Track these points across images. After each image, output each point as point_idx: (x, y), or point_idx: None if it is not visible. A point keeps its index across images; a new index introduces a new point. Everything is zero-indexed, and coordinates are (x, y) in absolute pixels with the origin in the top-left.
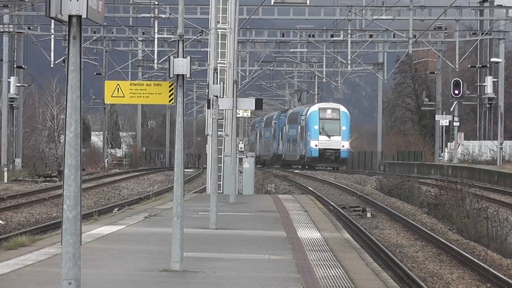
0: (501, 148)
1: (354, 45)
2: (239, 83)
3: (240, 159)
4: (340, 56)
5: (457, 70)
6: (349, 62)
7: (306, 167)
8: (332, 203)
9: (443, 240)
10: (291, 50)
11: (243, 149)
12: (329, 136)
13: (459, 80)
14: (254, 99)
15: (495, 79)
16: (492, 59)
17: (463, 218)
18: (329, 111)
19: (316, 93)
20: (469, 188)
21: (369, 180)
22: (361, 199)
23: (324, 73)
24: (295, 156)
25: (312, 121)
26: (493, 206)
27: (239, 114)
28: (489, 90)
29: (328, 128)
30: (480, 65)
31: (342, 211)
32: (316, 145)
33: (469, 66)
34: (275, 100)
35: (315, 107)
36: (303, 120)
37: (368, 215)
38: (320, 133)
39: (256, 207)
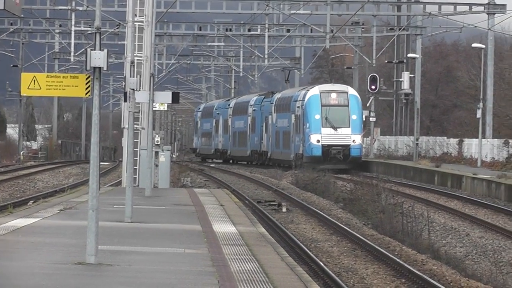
0: (417, 144)
1: (272, 39)
2: (156, 76)
3: (156, 153)
4: (257, 50)
5: (374, 65)
6: (266, 56)
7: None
8: (248, 198)
9: (358, 235)
10: (208, 43)
11: (159, 143)
12: (335, 128)
13: (376, 76)
14: (170, 93)
15: (412, 75)
16: (409, 55)
17: (379, 213)
18: (334, 95)
19: (233, 87)
20: (384, 184)
21: (285, 175)
22: (276, 193)
23: (241, 67)
24: (287, 155)
25: (312, 108)
26: (409, 201)
27: (155, 107)
28: (405, 85)
29: (334, 117)
30: (397, 61)
31: (258, 206)
32: (318, 141)
33: (386, 61)
34: (192, 94)
35: (315, 90)
36: (298, 107)
37: (284, 209)
38: (323, 125)
39: (171, 200)
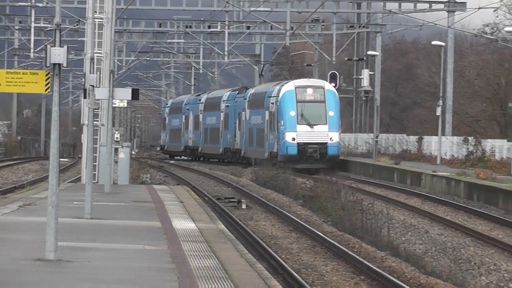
0: (376, 141)
1: (231, 36)
2: (116, 73)
3: (116, 149)
4: (217, 47)
5: (334, 62)
6: (226, 53)
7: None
8: (208, 194)
9: (317, 232)
10: (168, 40)
11: (118, 139)
12: (311, 126)
13: (336, 73)
14: (130, 89)
15: (372, 72)
16: (369, 52)
17: (338, 210)
18: (309, 91)
19: (192, 84)
20: (344, 181)
21: (245, 172)
22: (236, 190)
23: (201, 64)
24: (261, 153)
25: (287, 104)
26: (368, 198)
27: (115, 104)
28: (365, 83)
29: (310, 114)
30: (357, 58)
31: (218, 202)
32: (294, 139)
33: (346, 59)
34: (151, 91)
35: (289, 86)
36: (272, 103)
37: (243, 206)
38: (298, 122)
39: (131, 197)
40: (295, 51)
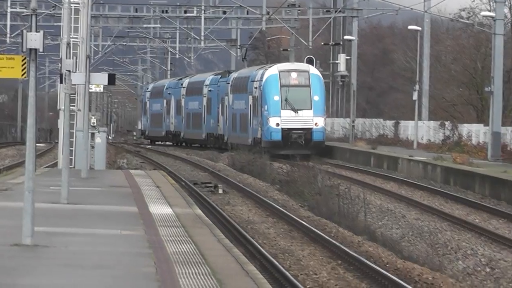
0: (353, 126)
1: (208, 21)
2: (92, 58)
3: (92, 134)
4: (193, 32)
5: (310, 47)
6: (202, 38)
7: (263, 153)
8: (184, 179)
9: (294, 217)
10: (144, 25)
11: (95, 124)
12: (295, 111)
13: (312, 58)
14: (107, 74)
15: (348, 57)
16: (345, 37)
17: (315, 195)
18: (294, 75)
19: (169, 69)
20: (321, 165)
21: (222, 157)
22: (213, 175)
23: (177, 49)
24: (244, 139)
25: (270, 89)
26: (345, 183)
27: (91, 89)
28: (342, 67)
29: (294, 98)
30: (333, 43)
31: (194, 187)
32: (278, 124)
33: (323, 43)
34: (128, 76)
35: (273, 70)
36: (255, 88)
37: (220, 191)
38: (282, 107)
39: (108, 182)
40: (272, 36)
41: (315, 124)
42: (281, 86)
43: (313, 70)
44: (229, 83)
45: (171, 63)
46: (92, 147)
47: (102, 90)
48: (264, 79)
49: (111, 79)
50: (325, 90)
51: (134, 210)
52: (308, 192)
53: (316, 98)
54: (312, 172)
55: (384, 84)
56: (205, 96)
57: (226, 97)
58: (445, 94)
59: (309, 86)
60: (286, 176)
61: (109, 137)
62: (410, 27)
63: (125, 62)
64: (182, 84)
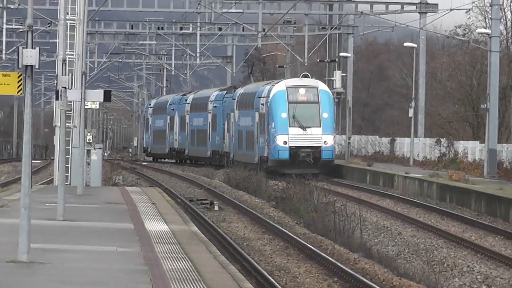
0: (349, 143)
1: (203, 38)
2: (88, 74)
3: (88, 151)
4: (189, 48)
5: (306, 64)
6: (198, 55)
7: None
8: (180, 196)
9: (290, 234)
10: (140, 42)
11: (91, 141)
12: (304, 128)
13: (308, 74)
14: (102, 91)
15: (344, 74)
16: (341, 54)
17: (311, 212)
18: (302, 91)
19: (164, 85)
20: (316, 182)
21: (217, 173)
22: (209, 192)
23: (173, 65)
24: (251, 158)
25: (278, 106)
26: (341, 200)
27: (87, 105)
28: (337, 84)
29: (303, 115)
30: (329, 60)
31: (190, 204)
32: (285, 142)
33: (318, 60)
34: (123, 92)
35: (280, 86)
36: (262, 104)
37: (216, 208)
38: (290, 124)
39: (103, 199)
40: (267, 53)
41: (324, 142)
42: (289, 102)
43: (322, 86)
44: (235, 99)
45: (166, 80)
46: (88, 163)
47: (97, 107)
48: (271, 95)
49: (107, 96)
50: (334, 106)
51: (130, 227)
52: (304, 209)
53: (325, 115)
54: (308, 189)
55: (380, 100)
56: (210, 112)
57: (232, 114)
58: (441, 111)
59: (318, 102)
60: (282, 193)
61: (105, 154)
62: (405, 44)
63: (121, 78)
64: (186, 100)
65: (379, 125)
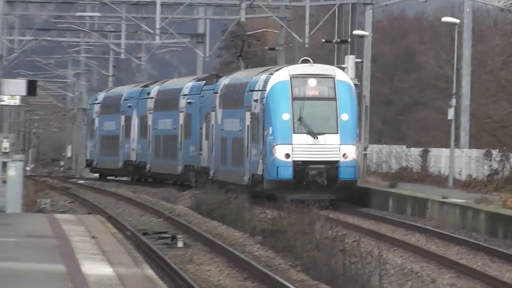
0: (365, 155)
1: (165, 8)
2: (5, 58)
3: (4, 164)
4: (145, 23)
5: (307, 45)
6: (157, 32)
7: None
8: (130, 227)
9: (282, 281)
10: (78, 14)
11: (7, 150)
12: (314, 136)
13: (309, 60)
14: (25, 81)
15: (359, 60)
16: (355, 32)
17: (311, 250)
18: (312, 82)
19: (111, 73)
20: (320, 210)
21: (182, 196)
22: (170, 222)
23: (123, 46)
24: (239, 176)
25: (277, 103)
26: (353, 234)
27: (3, 101)
28: (350, 74)
29: (313, 117)
30: (339, 40)
31: (144, 239)
32: (288, 155)
33: (324, 40)
34: (54, 83)
35: (282, 74)
36: (256, 101)
37: (180, 244)
38: (295, 130)
39: (24, 230)
40: (254, 30)
41: (344, 155)
42: (294, 98)
43: (340, 75)
44: (217, 93)
45: (114, 66)
46: (4, 181)
47: (18, 103)
48: (268, 88)
49: (31, 88)
50: (357, 105)
51: (60, 270)
52: (302, 246)
53: (345, 117)
54: (308, 219)
55: (408, 97)
56: (182, 111)
57: (213, 113)
58: (492, 111)
59: (335, 99)
60: (272, 223)
61: (27, 168)
62: (444, 19)
63: (51, 64)
64: (149, 94)
65: (407, 131)
